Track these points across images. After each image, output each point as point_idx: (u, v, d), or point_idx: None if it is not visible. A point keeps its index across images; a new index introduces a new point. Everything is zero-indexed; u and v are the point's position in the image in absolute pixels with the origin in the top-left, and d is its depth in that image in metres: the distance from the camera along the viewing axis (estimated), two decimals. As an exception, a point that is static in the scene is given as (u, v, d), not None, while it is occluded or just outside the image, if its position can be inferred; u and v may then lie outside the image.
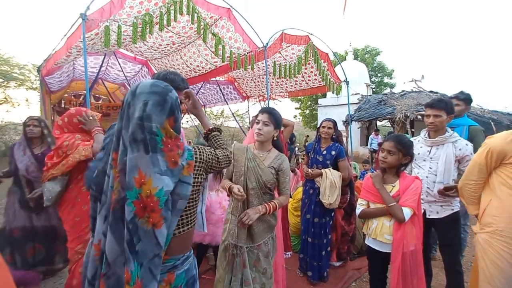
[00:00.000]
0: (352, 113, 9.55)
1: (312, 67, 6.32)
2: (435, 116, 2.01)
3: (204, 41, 4.65)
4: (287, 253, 2.88)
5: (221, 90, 8.80)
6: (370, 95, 12.02)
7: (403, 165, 1.79)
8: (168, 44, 5.64)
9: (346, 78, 6.73)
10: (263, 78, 7.60)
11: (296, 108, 20.06)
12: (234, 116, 10.84)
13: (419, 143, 2.17)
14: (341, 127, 10.99)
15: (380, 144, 5.99)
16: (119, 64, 7.20)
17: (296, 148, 9.46)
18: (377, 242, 1.78)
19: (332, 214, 2.66)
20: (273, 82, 7.70)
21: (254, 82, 8.20)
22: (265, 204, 1.64)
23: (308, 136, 14.86)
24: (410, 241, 1.66)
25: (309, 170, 2.63)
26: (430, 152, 2.10)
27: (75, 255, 1.88)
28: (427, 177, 2.07)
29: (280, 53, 5.77)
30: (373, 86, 17.45)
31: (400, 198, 1.70)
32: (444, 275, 2.13)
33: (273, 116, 1.69)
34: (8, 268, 0.66)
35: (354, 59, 16.60)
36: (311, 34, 5.53)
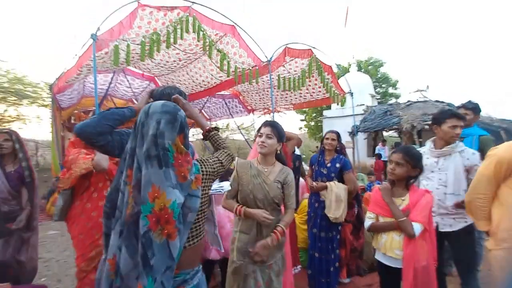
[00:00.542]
0: (358, 124, 9.50)
1: (316, 80, 6.38)
2: (462, 127, 1.98)
3: (210, 57, 4.77)
4: (297, 268, 2.81)
5: (226, 104, 8.92)
6: (375, 106, 12.00)
7: (412, 178, 1.76)
8: (174, 61, 5.80)
9: (350, 90, 6.76)
10: (267, 91, 7.69)
11: (301, 120, 20.08)
12: (239, 129, 10.93)
13: (425, 154, 2.12)
14: (347, 138, 10.97)
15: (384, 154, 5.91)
16: (128, 80, 7.41)
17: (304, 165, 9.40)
18: (387, 257, 1.73)
19: (339, 228, 2.60)
20: (277, 95, 7.77)
21: (259, 95, 8.29)
22: (272, 234, 1.60)
23: (317, 147, 14.79)
24: (421, 257, 1.60)
25: (314, 183, 2.60)
26: (438, 163, 2.05)
27: (80, 273, 1.86)
28: (437, 188, 2.02)
29: (284, 66, 5.86)
30: (378, 97, 17.43)
31: (410, 213, 1.66)
32: (460, 292, 2.04)
33: (276, 129, 1.68)
34: None
35: (358, 70, 16.70)
36: (314, 47, 5.63)
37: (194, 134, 12.49)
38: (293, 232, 2.79)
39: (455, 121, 1.95)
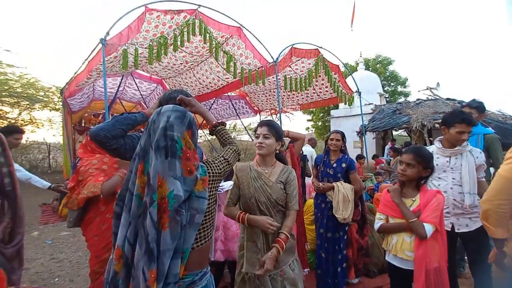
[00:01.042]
0: (366, 124, 9.39)
1: (323, 80, 6.34)
2: (469, 133, 1.96)
3: (216, 59, 4.80)
4: (305, 271, 2.79)
5: (233, 105, 8.95)
6: (384, 105, 11.83)
7: (423, 178, 1.73)
8: (181, 63, 5.86)
9: (358, 89, 6.69)
10: (274, 92, 7.69)
11: (308, 120, 19.99)
12: (246, 130, 10.94)
13: (435, 154, 2.08)
14: (355, 138, 10.85)
15: (397, 150, 5.82)
16: (136, 83, 7.53)
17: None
18: (397, 259, 1.70)
19: (346, 228, 2.57)
20: (284, 96, 7.76)
21: (266, 96, 8.29)
22: (276, 242, 1.50)
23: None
24: (433, 258, 1.57)
25: (320, 183, 2.58)
26: (450, 162, 2.03)
27: (93, 274, 1.89)
28: (451, 188, 1.99)
29: (291, 67, 5.85)
30: (387, 96, 17.19)
31: (421, 213, 1.63)
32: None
33: (273, 128, 1.60)
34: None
35: (366, 69, 16.51)
36: (321, 47, 5.59)
37: (202, 136, 12.57)
38: (302, 234, 2.78)
39: (464, 127, 1.93)
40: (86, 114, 10.11)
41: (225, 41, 4.91)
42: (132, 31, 3.86)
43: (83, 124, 10.47)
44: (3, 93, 9.14)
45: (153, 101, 8.61)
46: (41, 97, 10.14)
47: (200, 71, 6.25)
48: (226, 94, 8.11)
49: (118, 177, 1.84)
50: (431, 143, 8.46)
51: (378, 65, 19.24)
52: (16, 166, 2.38)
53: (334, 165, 2.58)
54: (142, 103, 8.82)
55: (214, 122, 1.32)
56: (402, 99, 16.78)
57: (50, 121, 11.75)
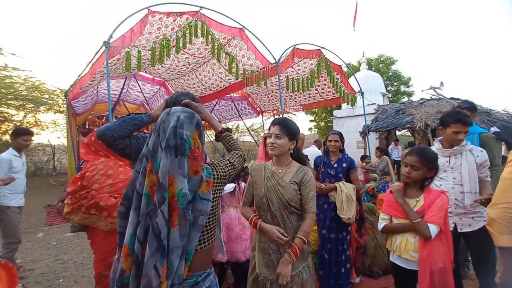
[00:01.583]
0: (369, 124, 9.34)
1: (325, 80, 6.33)
2: (465, 133, 1.96)
3: (218, 60, 4.82)
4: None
5: (235, 106, 8.97)
6: (387, 105, 11.76)
7: (428, 179, 1.72)
8: (184, 65, 5.89)
9: (360, 89, 6.67)
10: (276, 92, 7.69)
11: (311, 121, 19.95)
12: (249, 131, 10.96)
13: None
14: (358, 138, 10.80)
15: (383, 150, 5.71)
16: (139, 85, 7.58)
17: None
18: (402, 259, 1.69)
19: (349, 228, 2.57)
20: (286, 96, 7.76)
21: (268, 97, 8.30)
22: (290, 249, 1.46)
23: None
24: (437, 259, 1.55)
25: (322, 184, 2.58)
26: (449, 162, 2.03)
27: (99, 276, 1.82)
28: (452, 188, 1.98)
29: (293, 67, 5.85)
30: (390, 96, 17.09)
31: (425, 214, 1.61)
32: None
33: (286, 128, 1.53)
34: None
35: (368, 69, 16.45)
36: (323, 47, 5.59)
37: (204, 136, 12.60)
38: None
39: (460, 127, 1.94)
40: (90, 116, 10.19)
41: (227, 43, 4.93)
42: (135, 34, 3.89)
43: (87, 126, 10.56)
44: (9, 96, 9.24)
45: (156, 103, 8.66)
46: (45, 100, 10.23)
47: (203, 72, 6.28)
48: (229, 95, 8.13)
49: None
50: (435, 143, 8.40)
51: (380, 65, 19.15)
52: None
53: (335, 165, 2.58)
54: (145, 105, 8.87)
55: (219, 129, 1.33)
56: (405, 99, 16.67)
57: (54, 123, 11.85)
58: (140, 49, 4.12)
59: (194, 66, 5.98)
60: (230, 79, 5.95)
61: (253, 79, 5.12)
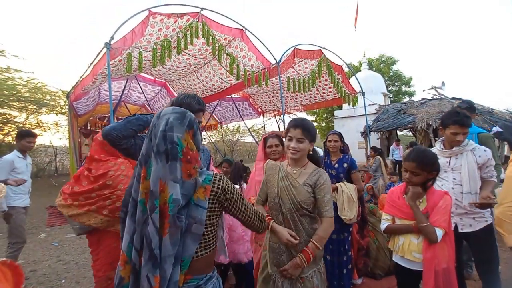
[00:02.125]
0: (370, 124, 9.33)
1: (326, 80, 6.33)
2: (464, 134, 1.95)
3: (219, 61, 4.83)
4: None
5: (236, 107, 8.98)
6: (388, 105, 11.74)
7: (430, 180, 1.71)
8: (185, 66, 5.90)
9: (361, 89, 6.66)
10: (277, 93, 7.69)
11: (312, 121, 19.95)
12: (250, 132, 10.96)
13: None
14: (359, 138, 10.78)
15: (377, 150, 5.67)
16: (140, 87, 7.60)
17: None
18: (404, 260, 1.68)
19: (350, 229, 2.56)
20: (287, 97, 7.76)
21: (269, 97, 8.30)
22: (302, 254, 1.43)
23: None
24: (442, 259, 1.55)
25: None
26: (450, 163, 2.02)
27: (105, 280, 1.71)
28: (453, 188, 1.97)
29: (294, 68, 5.85)
30: (391, 96, 17.07)
31: (428, 216, 1.61)
32: (482, 296, 1.96)
33: (307, 131, 1.47)
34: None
35: (369, 69, 16.44)
36: (324, 48, 5.59)
37: (205, 138, 12.62)
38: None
39: (458, 129, 1.93)
40: (92, 118, 10.23)
41: (228, 43, 4.94)
42: (136, 35, 3.91)
43: (88, 127, 10.60)
44: (11, 98, 9.29)
45: (158, 104, 8.68)
46: (47, 101, 10.28)
47: (204, 73, 6.29)
48: (230, 96, 8.14)
49: None
50: (437, 143, 8.37)
51: (381, 65, 19.14)
52: None
53: (336, 165, 2.57)
54: (147, 106, 8.90)
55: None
56: (406, 99, 16.65)
57: (56, 124, 11.90)
58: (141, 50, 4.14)
59: (195, 67, 5.99)
60: (231, 80, 5.96)
61: (254, 80, 5.12)
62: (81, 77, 5.39)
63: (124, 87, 7.08)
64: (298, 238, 1.43)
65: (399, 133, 11.53)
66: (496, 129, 5.70)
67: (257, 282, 1.62)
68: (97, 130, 10.39)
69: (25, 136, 3.13)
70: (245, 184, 2.67)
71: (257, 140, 11.20)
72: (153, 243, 0.86)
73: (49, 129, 11.79)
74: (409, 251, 1.64)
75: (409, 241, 1.65)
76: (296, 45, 5.17)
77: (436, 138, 8.68)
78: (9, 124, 10.37)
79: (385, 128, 9.70)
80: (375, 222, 3.00)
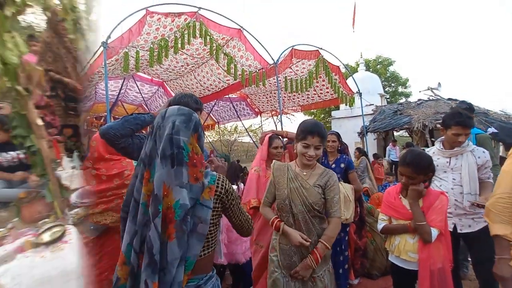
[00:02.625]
0: (367, 124, 9.37)
1: (323, 81, 6.35)
2: (466, 135, 1.96)
3: (217, 61, 4.82)
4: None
5: (234, 107, 8.97)
6: (384, 106, 11.81)
7: (426, 181, 1.72)
8: (182, 66, 5.88)
9: (358, 90, 6.69)
10: (275, 93, 7.70)
11: (310, 121, 20.00)
12: (247, 132, 10.96)
13: (435, 155, 2.09)
14: (356, 138, 10.83)
15: (361, 151, 5.65)
16: (137, 86, 7.56)
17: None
18: (400, 260, 1.69)
19: (347, 229, 2.57)
20: (285, 97, 7.77)
21: (266, 98, 8.31)
22: (311, 253, 1.45)
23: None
24: (437, 259, 1.56)
25: None
26: (449, 163, 2.02)
27: (110, 281, 1.73)
28: (452, 188, 1.98)
29: (291, 68, 5.86)
30: (388, 97, 17.19)
31: (424, 215, 1.62)
32: (478, 296, 1.98)
33: (324, 137, 1.50)
34: None
35: (366, 70, 16.53)
36: (321, 48, 5.61)
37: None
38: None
39: (460, 130, 1.93)
40: (88, 117, 10.15)
41: (226, 43, 4.93)
42: (133, 34, 3.89)
43: (85, 127, 10.51)
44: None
45: (155, 103, 8.65)
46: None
47: (201, 73, 6.28)
48: (227, 96, 8.13)
49: None
50: (433, 143, 8.43)
51: (378, 66, 19.25)
52: None
53: (333, 165, 2.59)
54: (144, 106, 8.86)
55: None
56: (403, 100, 16.76)
57: (52, 124, 11.82)
58: (138, 49, 4.11)
59: (192, 66, 5.98)
60: (229, 79, 5.96)
61: (252, 80, 5.12)
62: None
63: (121, 87, 7.04)
64: (309, 240, 1.44)
65: (395, 133, 11.61)
66: (491, 130, 5.76)
67: (267, 285, 1.61)
68: (94, 129, 10.33)
69: None
70: (242, 184, 2.67)
71: (254, 140, 11.20)
72: (154, 249, 0.85)
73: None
74: (405, 251, 1.65)
75: (405, 241, 1.66)
76: (293, 46, 5.18)
77: (433, 139, 8.75)
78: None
79: (382, 128, 9.77)
80: (373, 222, 3.02)
